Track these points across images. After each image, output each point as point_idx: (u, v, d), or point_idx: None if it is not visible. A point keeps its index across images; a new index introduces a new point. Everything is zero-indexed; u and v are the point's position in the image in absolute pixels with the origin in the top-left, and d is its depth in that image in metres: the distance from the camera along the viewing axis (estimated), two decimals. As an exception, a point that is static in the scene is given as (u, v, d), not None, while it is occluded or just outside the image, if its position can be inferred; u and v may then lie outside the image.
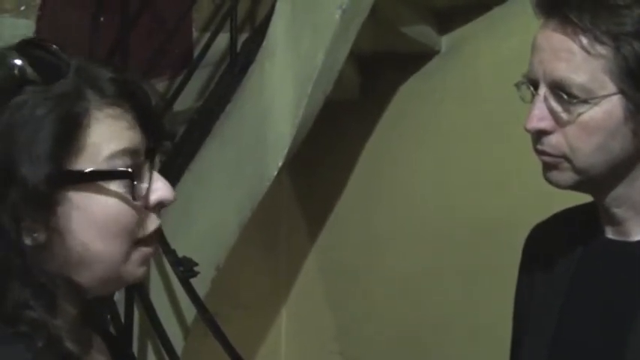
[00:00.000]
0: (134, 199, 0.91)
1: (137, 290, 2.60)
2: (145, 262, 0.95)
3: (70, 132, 0.88)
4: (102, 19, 3.15)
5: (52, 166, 0.87)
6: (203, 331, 2.55)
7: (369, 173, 3.15)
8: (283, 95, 2.60)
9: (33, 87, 0.89)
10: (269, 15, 2.73)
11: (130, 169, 0.90)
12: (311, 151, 2.97)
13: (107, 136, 0.90)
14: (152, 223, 0.94)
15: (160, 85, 3.54)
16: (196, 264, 2.44)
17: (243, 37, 3.14)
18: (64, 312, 0.91)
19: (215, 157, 2.77)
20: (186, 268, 2.42)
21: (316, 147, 3.01)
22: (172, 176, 2.85)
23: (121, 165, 0.90)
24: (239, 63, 2.91)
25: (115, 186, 0.90)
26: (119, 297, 2.66)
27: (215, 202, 2.74)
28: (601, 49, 1.11)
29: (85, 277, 0.92)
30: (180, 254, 2.49)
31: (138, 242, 0.93)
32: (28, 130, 0.87)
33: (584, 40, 1.11)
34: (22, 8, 3.24)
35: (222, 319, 2.55)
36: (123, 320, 2.61)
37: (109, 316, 2.52)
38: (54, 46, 0.91)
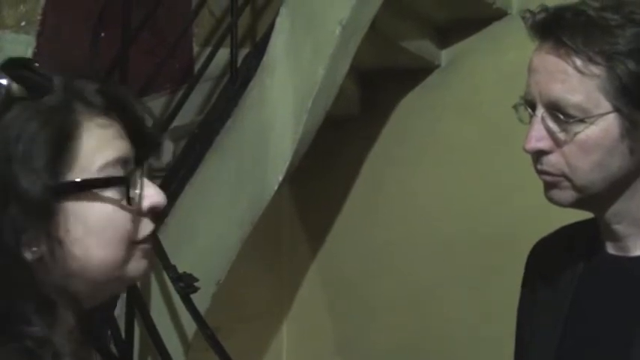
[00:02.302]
0: (129, 203, 0.93)
1: (137, 306, 2.59)
2: (145, 255, 0.98)
3: (64, 144, 0.91)
4: (102, 34, 3.16)
5: (50, 177, 0.89)
6: (204, 347, 2.55)
7: (370, 187, 3.15)
8: (283, 110, 2.60)
9: (21, 103, 0.91)
10: (269, 30, 2.73)
11: (123, 176, 0.93)
12: (312, 166, 2.97)
13: (99, 146, 0.93)
14: (147, 227, 0.97)
15: (161, 100, 3.55)
16: (197, 280, 2.43)
17: (243, 52, 3.14)
18: (64, 326, 0.92)
19: (216, 171, 2.77)
20: (186, 284, 2.42)
21: (317, 161, 3.01)
22: (173, 190, 2.86)
23: (113, 173, 0.93)
24: (239, 78, 2.92)
25: (109, 193, 0.93)
26: (120, 312, 2.66)
27: (216, 216, 2.74)
28: (595, 69, 1.12)
29: (88, 284, 0.94)
30: (180, 270, 2.49)
31: (135, 243, 0.96)
32: (22, 144, 0.89)
33: (578, 61, 1.13)
34: (23, 24, 3.25)
35: (224, 333, 2.55)
36: (123, 336, 2.60)
37: (109, 332, 2.52)
38: (37, 64, 0.94)
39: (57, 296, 0.91)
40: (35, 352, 0.87)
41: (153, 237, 0.99)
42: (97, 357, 1.02)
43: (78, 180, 0.91)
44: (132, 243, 0.95)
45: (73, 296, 0.93)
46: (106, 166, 0.93)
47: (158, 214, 0.98)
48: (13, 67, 0.93)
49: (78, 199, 0.92)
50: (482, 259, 2.72)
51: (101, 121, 0.93)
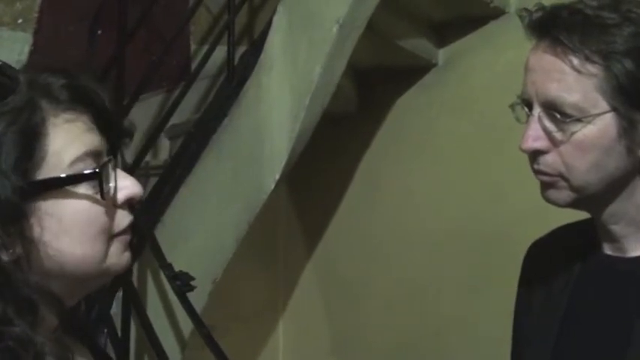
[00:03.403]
0: (103, 198, 0.92)
1: (134, 304, 2.59)
2: (125, 248, 0.97)
3: (31, 143, 0.89)
4: (99, 32, 3.15)
5: (19, 178, 0.88)
6: (200, 345, 2.54)
7: (367, 185, 3.15)
8: (280, 109, 2.60)
9: None
10: (266, 28, 2.73)
11: (96, 170, 0.92)
12: (308, 164, 2.96)
13: (67, 141, 0.91)
14: (124, 219, 0.96)
15: (158, 98, 3.55)
16: (193, 278, 2.43)
17: (240, 50, 3.14)
18: (46, 325, 0.91)
19: (212, 170, 2.77)
20: (182, 283, 2.41)
21: (314, 160, 3.00)
22: (169, 189, 2.86)
23: (84, 168, 0.92)
24: (236, 76, 2.92)
25: (83, 189, 0.92)
26: (116, 311, 2.66)
27: (212, 215, 2.74)
28: (592, 68, 1.12)
29: (70, 282, 0.93)
30: (177, 268, 2.48)
31: (113, 236, 0.95)
32: None
33: (575, 60, 1.12)
34: (20, 21, 3.24)
35: (220, 332, 2.55)
36: (120, 334, 2.60)
37: (105, 331, 2.52)
38: (2, 63, 0.93)
39: (37, 296, 0.89)
40: (17, 352, 0.86)
41: (131, 228, 0.97)
42: (85, 352, 1.02)
43: (47, 178, 0.90)
44: (110, 236, 0.94)
45: (54, 295, 0.92)
46: (76, 161, 0.91)
47: (135, 205, 0.97)
48: None
49: (50, 197, 0.90)
50: (479, 257, 2.72)
51: (68, 116, 0.92)
